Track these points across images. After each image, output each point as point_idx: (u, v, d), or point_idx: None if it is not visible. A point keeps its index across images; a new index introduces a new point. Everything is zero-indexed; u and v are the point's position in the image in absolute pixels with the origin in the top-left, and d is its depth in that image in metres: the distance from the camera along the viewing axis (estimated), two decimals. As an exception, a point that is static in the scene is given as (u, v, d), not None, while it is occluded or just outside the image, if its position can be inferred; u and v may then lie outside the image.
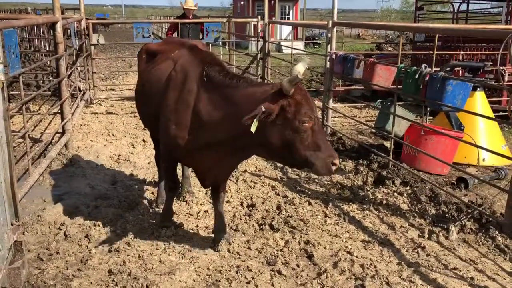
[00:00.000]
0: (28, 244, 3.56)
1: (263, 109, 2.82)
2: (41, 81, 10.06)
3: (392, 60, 8.81)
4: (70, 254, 3.51)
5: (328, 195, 4.80)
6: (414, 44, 11.22)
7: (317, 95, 9.51)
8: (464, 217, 4.05)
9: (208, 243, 3.69)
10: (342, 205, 4.49)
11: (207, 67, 3.30)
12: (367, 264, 3.36)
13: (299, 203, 4.51)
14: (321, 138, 2.96)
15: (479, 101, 6.06)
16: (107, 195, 4.69)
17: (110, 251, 3.54)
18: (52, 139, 6.01)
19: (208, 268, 3.30)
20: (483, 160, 5.79)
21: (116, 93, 10.40)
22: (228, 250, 3.57)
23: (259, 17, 9.62)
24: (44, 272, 3.23)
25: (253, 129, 2.82)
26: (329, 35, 6.68)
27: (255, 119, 2.81)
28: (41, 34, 14.04)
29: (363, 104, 8.89)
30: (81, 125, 7.39)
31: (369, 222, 4.16)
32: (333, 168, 2.93)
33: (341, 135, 6.66)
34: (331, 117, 7.06)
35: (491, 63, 6.47)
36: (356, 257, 3.49)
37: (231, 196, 4.73)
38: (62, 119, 5.87)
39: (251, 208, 4.42)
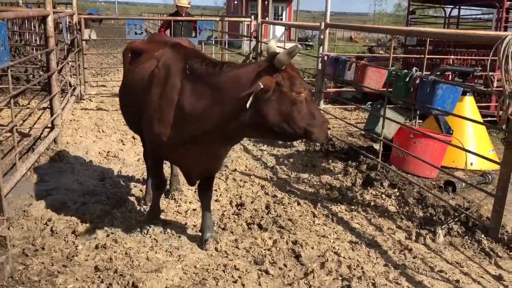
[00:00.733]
0: (13, 239, 3.52)
1: (261, 86, 2.82)
2: (31, 75, 9.96)
3: (383, 63, 8.86)
4: (56, 250, 3.48)
5: (317, 195, 4.82)
6: (406, 48, 11.30)
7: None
8: (451, 220, 4.09)
9: (196, 242, 3.68)
10: (331, 206, 4.50)
11: (189, 61, 3.28)
12: (354, 265, 3.37)
13: (288, 203, 4.52)
14: (313, 106, 3.06)
15: (468, 106, 6.12)
16: (95, 191, 4.65)
17: (96, 247, 3.51)
18: (41, 134, 5.95)
19: (195, 267, 3.28)
20: (471, 164, 5.85)
21: (107, 90, 10.33)
22: (216, 249, 3.56)
23: (252, 17, 9.63)
24: (28, 268, 3.19)
25: (247, 105, 2.82)
26: (322, 36, 6.71)
27: (251, 97, 2.81)
28: (32, 28, 13.92)
29: (354, 106, 8.92)
30: (70, 120, 7.33)
31: (357, 223, 4.18)
32: (329, 132, 3.03)
33: (331, 137, 6.67)
34: (322, 118, 7.06)
35: (481, 68, 6.54)
36: (344, 258, 3.50)
37: (220, 195, 4.72)
38: (52, 114, 5.81)
39: (240, 207, 4.41)
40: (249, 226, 4.01)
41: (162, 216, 4.06)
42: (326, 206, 4.50)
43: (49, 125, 5.91)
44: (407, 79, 4.81)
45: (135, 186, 4.88)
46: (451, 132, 5.71)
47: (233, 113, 2.99)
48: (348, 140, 6.92)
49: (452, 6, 11.37)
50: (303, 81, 2.96)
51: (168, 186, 4.51)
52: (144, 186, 4.71)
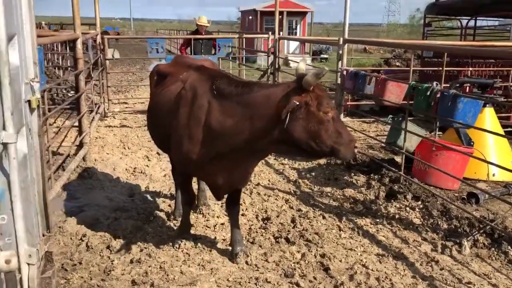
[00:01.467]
0: (52, 255, 3.68)
1: (297, 103, 2.98)
2: (55, 94, 10.27)
3: (400, 76, 8.94)
4: (93, 265, 3.62)
5: (341, 209, 4.90)
6: (422, 60, 11.35)
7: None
8: (477, 232, 4.13)
9: (226, 255, 3.79)
10: (356, 219, 4.58)
11: (215, 82, 3.43)
12: (382, 277, 3.45)
13: (313, 217, 4.61)
14: (340, 124, 3.18)
15: (489, 117, 6.15)
16: (125, 207, 4.81)
17: (131, 262, 3.65)
18: (70, 152, 6.16)
19: (228, 280, 3.39)
20: (493, 175, 5.86)
21: (128, 106, 10.58)
22: (246, 262, 3.67)
23: (270, 32, 9.83)
24: (69, 282, 3.35)
25: (286, 122, 3.00)
26: (340, 51, 6.83)
27: (288, 114, 2.98)
28: (54, 48, 14.33)
29: (373, 119, 9.00)
30: (96, 138, 7.55)
31: (383, 236, 4.25)
32: (355, 150, 3.16)
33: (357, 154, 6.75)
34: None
35: (500, 79, 6.58)
36: (372, 270, 3.57)
37: (246, 209, 4.83)
38: (80, 132, 6.03)
39: (266, 221, 4.52)
40: (277, 240, 4.11)
41: (192, 231, 4.19)
42: (351, 219, 4.58)
43: (77, 143, 6.12)
44: (428, 93, 4.89)
45: (163, 202, 5.02)
46: (472, 143, 5.75)
47: (262, 130, 3.14)
48: (369, 153, 6.99)
49: (469, 18, 11.41)
50: (330, 101, 3.09)
51: (196, 201, 4.64)
52: (172, 201, 4.86)
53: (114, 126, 8.56)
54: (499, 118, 6.62)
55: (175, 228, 4.30)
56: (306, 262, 3.70)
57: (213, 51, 9.32)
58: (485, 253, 3.91)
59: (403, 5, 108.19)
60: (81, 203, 4.91)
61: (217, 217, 4.61)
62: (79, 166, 5.81)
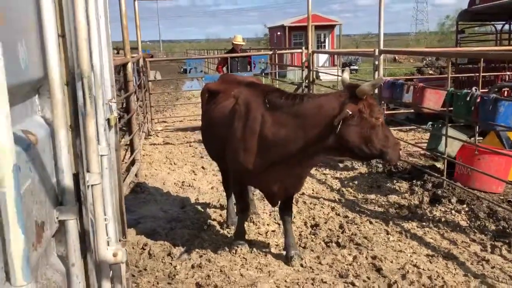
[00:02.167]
0: (120, 262, 3.97)
1: (350, 112, 3.22)
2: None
3: (435, 83, 9.01)
4: (157, 270, 3.90)
5: (387, 214, 5.03)
6: (457, 66, 11.35)
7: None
8: (525, 232, 4.19)
9: (281, 259, 4.00)
10: (402, 223, 4.70)
11: (267, 95, 3.69)
12: (434, 276, 3.57)
13: (361, 222, 4.76)
14: (387, 129, 3.43)
15: (530, 120, 6.17)
16: (179, 218, 5.10)
17: (193, 267, 3.90)
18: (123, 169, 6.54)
19: (285, 281, 3.60)
20: (538, 177, 5.86)
21: (168, 125, 11.02)
22: (301, 265, 3.86)
23: (303, 47, 10.10)
24: (139, 286, 3.62)
25: (338, 129, 3.25)
26: (376, 62, 7.01)
27: (340, 122, 3.23)
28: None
29: (409, 127, 9.07)
30: (143, 155, 7.93)
31: (431, 238, 4.36)
32: (401, 153, 3.30)
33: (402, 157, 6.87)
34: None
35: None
36: (423, 269, 3.70)
37: (294, 217, 5.01)
38: (132, 150, 6.41)
39: (315, 227, 4.70)
40: (327, 244, 4.29)
41: (246, 237, 4.42)
42: (398, 223, 4.71)
43: (129, 160, 6.50)
44: (467, 99, 5.00)
45: (214, 212, 5.28)
46: (514, 146, 5.79)
47: (315, 137, 3.38)
48: (409, 160, 7.08)
49: (504, 22, 11.37)
50: (380, 108, 3.31)
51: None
52: (224, 211, 5.11)
53: (158, 144, 8.95)
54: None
55: (229, 235, 4.54)
56: (358, 263, 3.86)
57: (248, 68, 9.66)
58: (536, 252, 3.97)
59: (430, 13, 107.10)
60: (138, 216, 5.23)
61: (267, 224, 4.83)
62: (132, 181, 6.16)
